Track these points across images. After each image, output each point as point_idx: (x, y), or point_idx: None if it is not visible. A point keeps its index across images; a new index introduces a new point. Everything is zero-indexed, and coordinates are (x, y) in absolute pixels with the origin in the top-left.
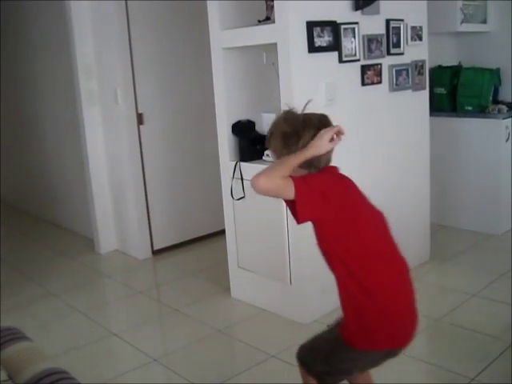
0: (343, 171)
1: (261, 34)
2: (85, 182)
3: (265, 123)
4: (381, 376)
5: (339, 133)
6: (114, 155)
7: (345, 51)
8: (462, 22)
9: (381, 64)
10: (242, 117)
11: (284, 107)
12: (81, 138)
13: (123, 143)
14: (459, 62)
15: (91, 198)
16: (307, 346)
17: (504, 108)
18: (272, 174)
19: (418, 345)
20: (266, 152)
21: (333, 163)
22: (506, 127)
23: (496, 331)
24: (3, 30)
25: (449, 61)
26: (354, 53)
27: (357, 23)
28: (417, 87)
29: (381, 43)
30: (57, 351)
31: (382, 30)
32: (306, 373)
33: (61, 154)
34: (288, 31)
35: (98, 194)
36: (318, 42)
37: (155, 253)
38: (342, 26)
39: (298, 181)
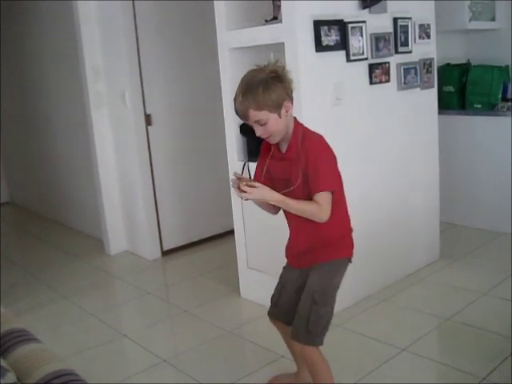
0: (352, 170)
1: (268, 34)
2: (94, 183)
3: None
4: (392, 375)
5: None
6: (122, 156)
7: (352, 50)
8: (471, 19)
9: (389, 62)
10: None
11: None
12: (89, 139)
13: (132, 144)
14: (468, 60)
15: (100, 200)
16: (315, 318)
17: None
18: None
19: (428, 344)
20: None
21: (342, 162)
22: None
23: (507, 330)
24: (11, 33)
25: (457, 59)
26: (361, 51)
27: (364, 22)
28: (425, 85)
29: (388, 42)
30: (67, 353)
31: (390, 29)
32: (307, 348)
33: (70, 156)
34: (295, 30)
35: (108, 196)
36: (326, 41)
37: (165, 253)
38: (350, 25)
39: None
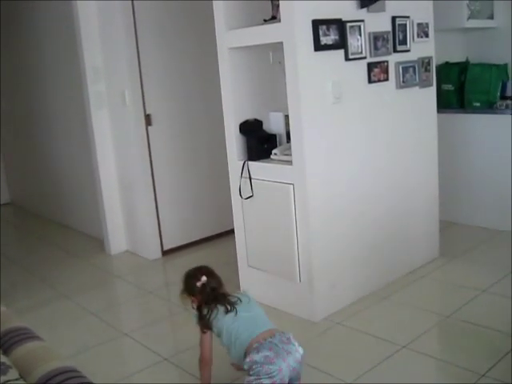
0: (351, 168)
1: (267, 34)
2: (95, 183)
3: (272, 122)
4: (391, 372)
5: None
6: (122, 156)
7: (351, 49)
8: (469, 18)
9: (387, 61)
10: (250, 116)
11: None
12: (90, 139)
13: (132, 144)
14: (466, 58)
15: (101, 200)
16: None
17: None
18: None
19: (428, 341)
20: (274, 151)
21: (341, 160)
22: None
23: (506, 327)
24: (12, 33)
25: (456, 57)
26: (360, 50)
27: (363, 21)
28: (424, 84)
29: (387, 40)
30: (69, 351)
31: (388, 28)
32: None
33: (71, 156)
34: (294, 30)
35: (108, 196)
36: (324, 40)
37: (165, 253)
38: (348, 24)
39: None
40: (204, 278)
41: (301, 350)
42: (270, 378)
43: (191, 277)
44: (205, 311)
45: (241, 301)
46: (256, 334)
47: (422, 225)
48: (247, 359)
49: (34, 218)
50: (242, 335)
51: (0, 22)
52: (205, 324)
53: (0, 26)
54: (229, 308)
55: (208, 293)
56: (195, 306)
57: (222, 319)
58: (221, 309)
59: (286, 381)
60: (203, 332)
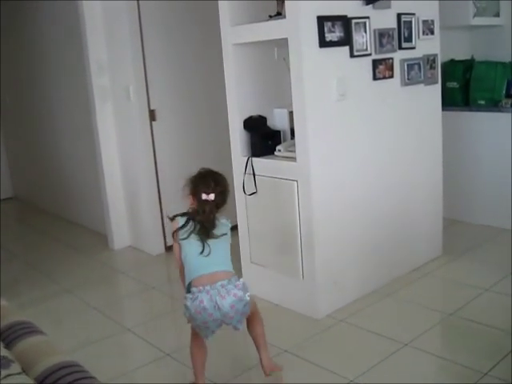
0: (355, 165)
1: (272, 30)
2: (98, 178)
3: (276, 118)
4: (394, 370)
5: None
6: (126, 152)
7: (356, 46)
8: (475, 15)
9: (392, 58)
10: (254, 112)
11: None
12: (94, 134)
13: (136, 139)
14: (472, 56)
15: (105, 195)
16: None
17: None
18: None
19: (430, 339)
20: (278, 147)
21: (345, 157)
22: None
23: (509, 326)
24: (16, 28)
25: (461, 55)
26: (365, 47)
27: (368, 17)
28: (429, 81)
29: (392, 37)
30: (71, 346)
31: (394, 25)
32: None
33: (75, 151)
34: (299, 26)
35: (112, 191)
36: (329, 36)
37: (168, 248)
38: (353, 21)
39: None
40: (212, 197)
41: (238, 305)
42: (196, 324)
43: (203, 182)
44: (182, 221)
45: (217, 236)
46: (201, 274)
47: (425, 222)
48: (185, 299)
49: (37, 212)
50: (192, 266)
51: (4, 17)
52: (176, 232)
53: (4, 22)
54: (202, 242)
55: (202, 209)
56: (190, 207)
57: (188, 240)
58: (197, 230)
59: (215, 329)
60: (175, 240)
